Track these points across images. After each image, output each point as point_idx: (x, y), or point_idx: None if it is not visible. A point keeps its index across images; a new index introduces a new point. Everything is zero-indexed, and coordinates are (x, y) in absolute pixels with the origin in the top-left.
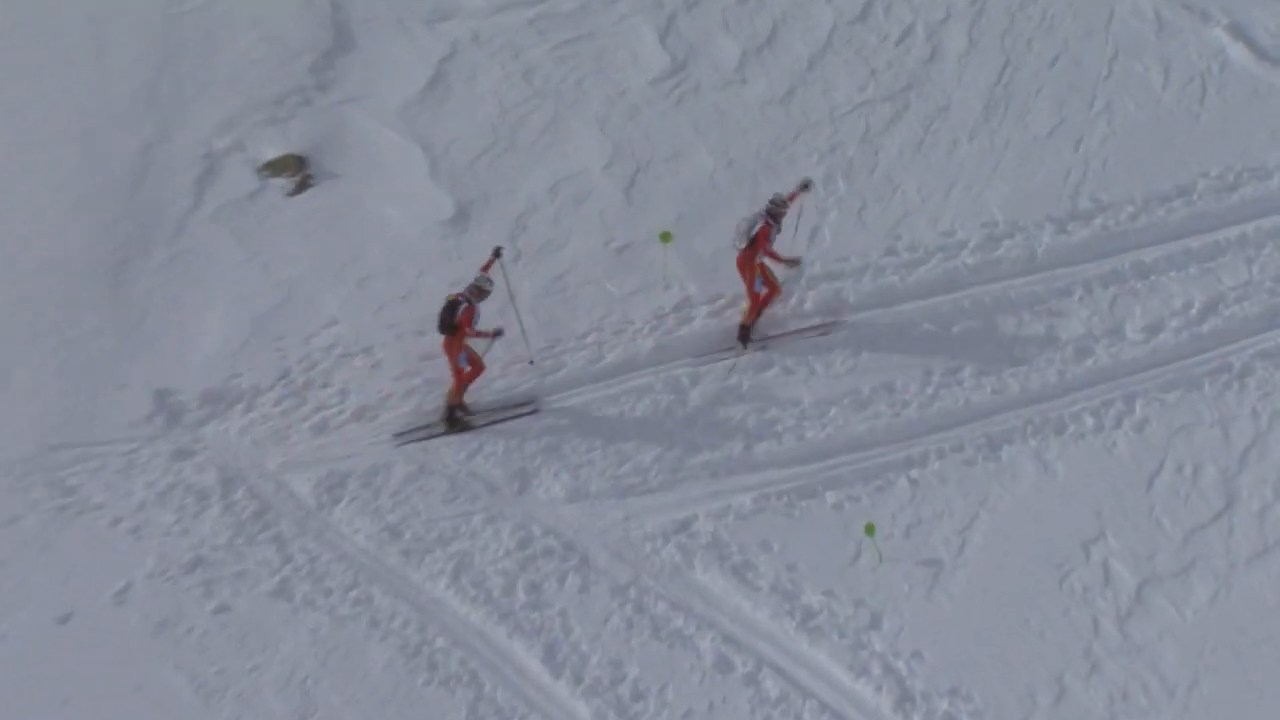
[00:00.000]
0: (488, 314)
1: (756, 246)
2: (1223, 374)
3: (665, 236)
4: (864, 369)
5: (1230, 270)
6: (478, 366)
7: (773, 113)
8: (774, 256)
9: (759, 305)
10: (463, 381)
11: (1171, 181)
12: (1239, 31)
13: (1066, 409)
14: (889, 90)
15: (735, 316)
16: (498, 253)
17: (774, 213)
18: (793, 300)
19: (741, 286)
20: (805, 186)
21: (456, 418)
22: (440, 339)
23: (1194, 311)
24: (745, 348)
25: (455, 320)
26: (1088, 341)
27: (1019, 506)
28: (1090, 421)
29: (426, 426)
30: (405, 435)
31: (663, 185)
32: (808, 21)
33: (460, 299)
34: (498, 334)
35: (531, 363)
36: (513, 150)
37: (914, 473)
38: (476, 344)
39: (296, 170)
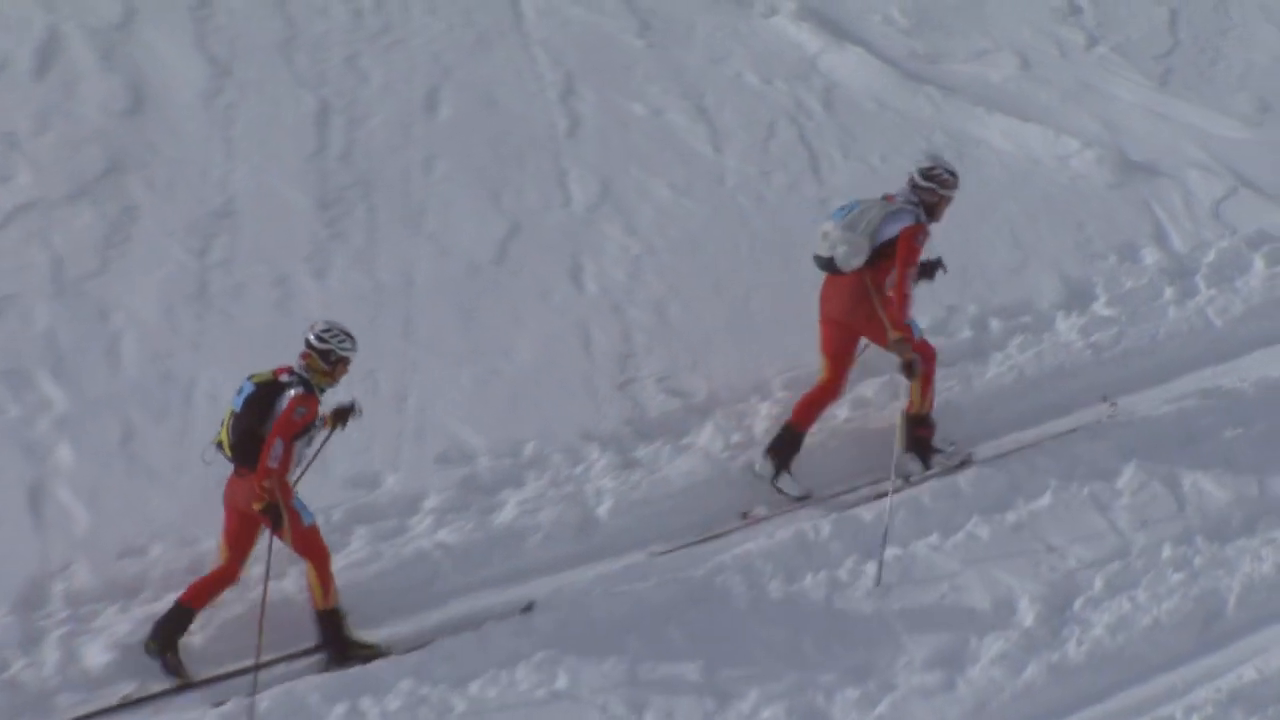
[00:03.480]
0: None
1: (902, 261)
2: None
3: None
4: None
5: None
6: (318, 546)
7: None
8: (901, 296)
9: (929, 369)
10: (324, 568)
11: None
12: (832, 25)
13: None
14: (75, 180)
15: None
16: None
17: (929, 200)
18: None
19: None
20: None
21: (350, 639)
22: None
23: None
24: (928, 466)
25: (262, 429)
26: None
27: None
28: None
29: (282, 660)
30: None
31: None
32: None
33: (285, 377)
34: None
35: None
36: None
37: None
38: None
39: None
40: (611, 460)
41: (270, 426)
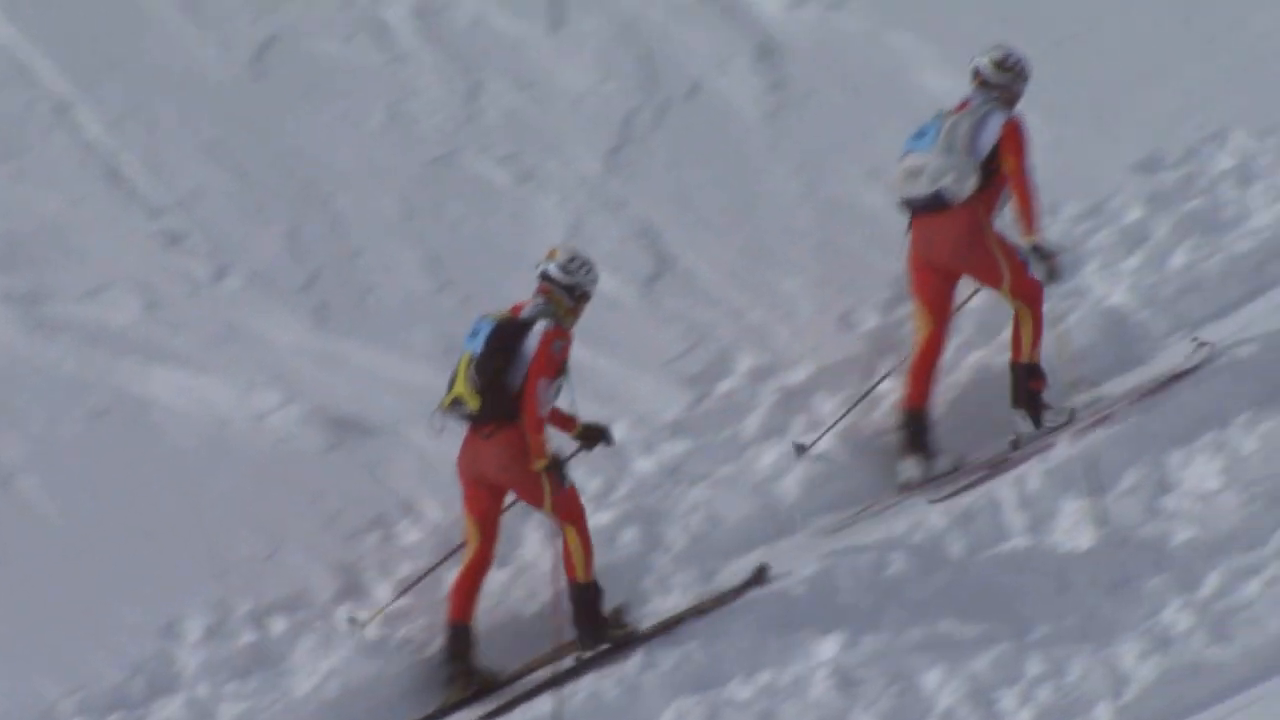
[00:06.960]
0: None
1: (1017, 151)
2: None
3: None
4: None
5: None
6: (578, 507)
7: None
8: (1027, 187)
9: (1038, 310)
10: (585, 533)
11: None
12: None
13: None
14: None
15: None
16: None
17: (1009, 95)
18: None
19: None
20: None
21: (606, 617)
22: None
23: None
24: (1038, 425)
25: (508, 378)
26: None
27: None
28: None
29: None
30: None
31: None
32: None
33: (527, 315)
34: (588, 442)
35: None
36: None
37: None
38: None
39: None
40: None
41: (522, 377)
